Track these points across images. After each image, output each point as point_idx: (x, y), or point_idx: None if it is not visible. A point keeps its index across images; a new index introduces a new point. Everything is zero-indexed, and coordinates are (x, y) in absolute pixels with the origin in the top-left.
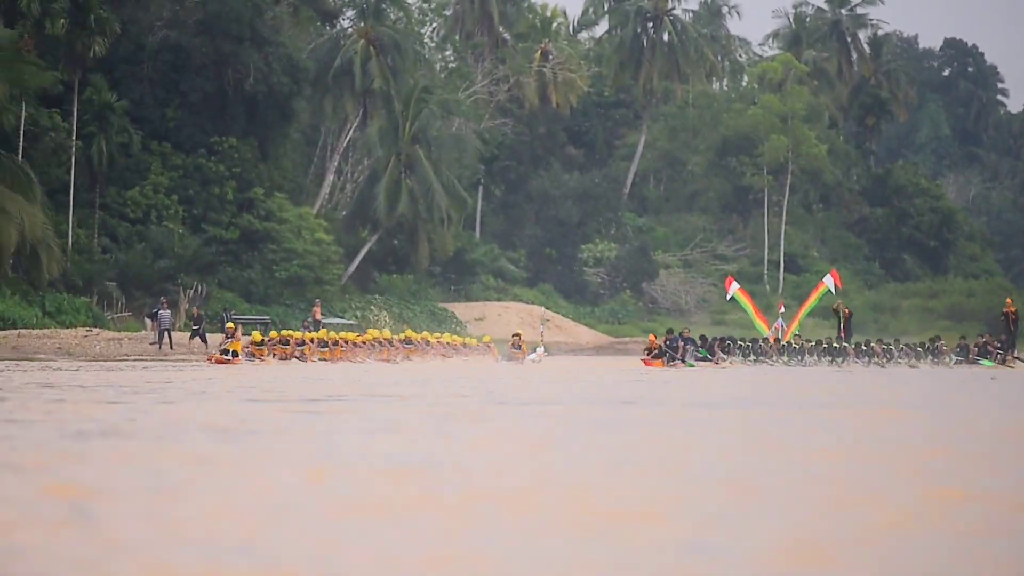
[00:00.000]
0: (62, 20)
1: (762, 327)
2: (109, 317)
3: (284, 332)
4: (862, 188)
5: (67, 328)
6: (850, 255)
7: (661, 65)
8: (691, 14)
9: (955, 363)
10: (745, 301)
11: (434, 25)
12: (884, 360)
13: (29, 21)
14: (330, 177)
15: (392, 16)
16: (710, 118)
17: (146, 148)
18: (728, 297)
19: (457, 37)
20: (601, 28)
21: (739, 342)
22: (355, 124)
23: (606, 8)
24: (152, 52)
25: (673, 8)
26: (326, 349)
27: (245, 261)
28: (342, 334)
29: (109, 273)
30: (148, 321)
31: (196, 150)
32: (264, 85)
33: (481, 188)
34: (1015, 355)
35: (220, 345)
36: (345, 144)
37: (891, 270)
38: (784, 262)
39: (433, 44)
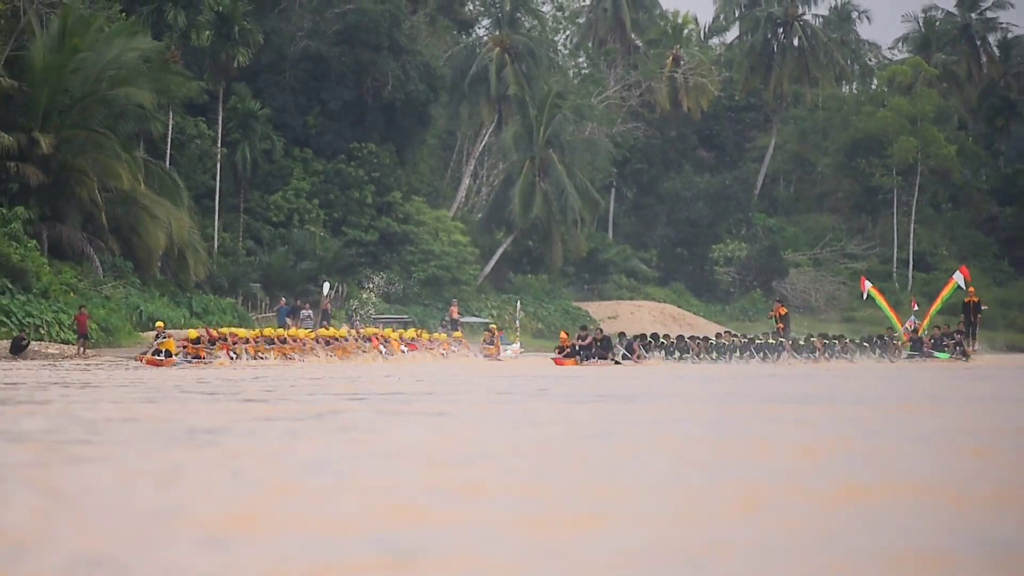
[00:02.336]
0: (207, 32)
1: (897, 324)
2: (254, 317)
3: (224, 329)
4: (991, 188)
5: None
6: (979, 253)
7: (791, 69)
8: (821, 19)
9: (907, 357)
10: (880, 299)
11: (567, 33)
12: (824, 355)
13: (175, 33)
14: (466, 181)
15: (527, 24)
16: (839, 120)
17: (288, 154)
18: (864, 296)
19: (590, 44)
20: (732, 34)
21: (661, 340)
22: (490, 129)
23: (737, 14)
24: (293, 61)
25: (803, 13)
26: (272, 346)
27: (384, 262)
28: (301, 331)
29: (253, 275)
30: (288, 322)
31: (336, 156)
32: (402, 92)
33: (613, 190)
34: (975, 347)
35: (152, 345)
36: (481, 149)
37: (1021, 268)
38: (913, 260)
39: (567, 51)
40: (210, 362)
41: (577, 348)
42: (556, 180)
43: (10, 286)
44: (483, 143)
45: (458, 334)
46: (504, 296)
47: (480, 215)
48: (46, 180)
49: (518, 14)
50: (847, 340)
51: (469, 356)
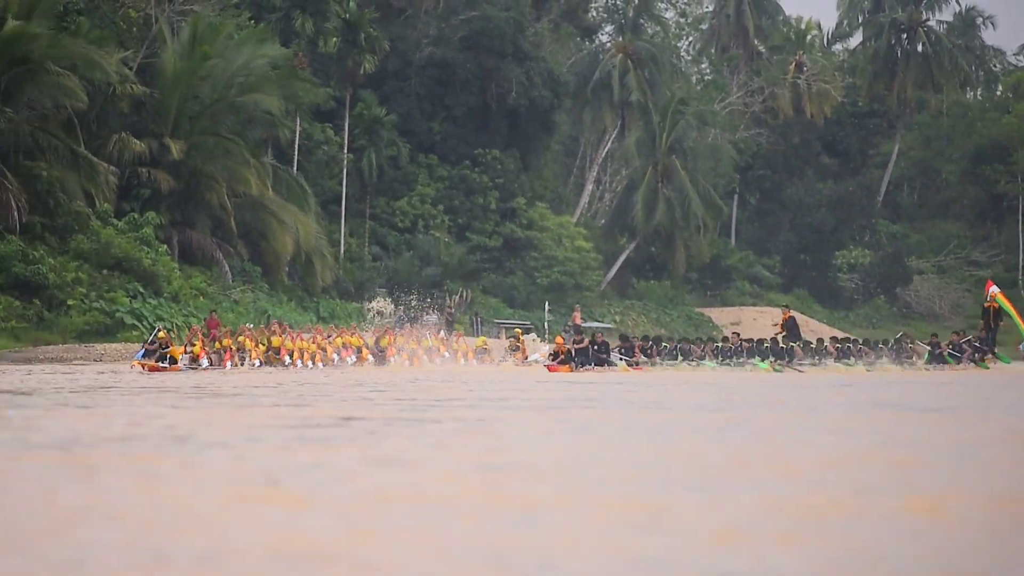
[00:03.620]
0: (334, 39)
1: None
2: (378, 322)
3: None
4: None
5: None
6: None
7: (915, 75)
8: (945, 25)
9: (925, 364)
10: (1007, 305)
11: (690, 39)
12: (836, 360)
13: (303, 40)
14: (589, 187)
15: (650, 31)
16: (964, 127)
17: (413, 160)
18: (986, 299)
19: (713, 50)
20: (855, 40)
21: (664, 344)
22: (613, 135)
23: (860, 20)
24: (419, 68)
25: (927, 19)
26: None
27: (508, 268)
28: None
29: (379, 280)
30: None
31: (461, 162)
32: (526, 98)
33: (736, 196)
34: (995, 353)
35: (153, 350)
36: (604, 155)
37: None
38: None
39: (689, 57)
40: (203, 367)
41: (572, 353)
42: (679, 186)
43: (141, 290)
44: (606, 149)
45: (481, 341)
46: (627, 302)
47: (603, 221)
48: (177, 185)
49: (641, 20)
50: (862, 345)
51: (495, 363)
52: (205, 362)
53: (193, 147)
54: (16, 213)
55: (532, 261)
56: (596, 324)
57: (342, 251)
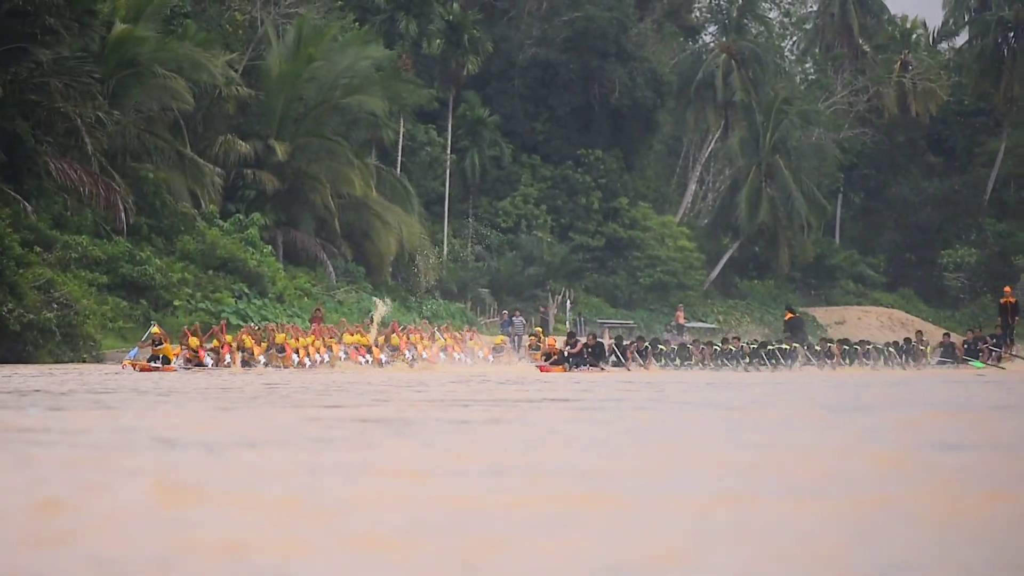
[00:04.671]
0: (438, 40)
1: None
2: (482, 322)
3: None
4: None
5: None
6: None
7: (1022, 73)
8: None
9: (937, 364)
10: None
11: (794, 38)
12: (842, 363)
13: (407, 42)
14: (692, 186)
15: (753, 31)
16: None
17: (516, 160)
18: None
19: (817, 50)
20: (961, 38)
21: (660, 346)
22: (716, 135)
23: (966, 19)
24: (522, 69)
25: None
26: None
27: (610, 267)
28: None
29: (482, 280)
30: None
31: (563, 162)
32: (629, 98)
33: (840, 195)
34: (1013, 352)
35: (143, 349)
36: (707, 154)
37: None
38: None
39: (793, 57)
40: (208, 366)
41: (566, 355)
42: (783, 185)
43: (247, 290)
44: (709, 149)
45: (499, 339)
46: (731, 301)
47: (706, 220)
48: (281, 187)
49: (745, 20)
50: (869, 346)
51: (514, 361)
52: (209, 361)
53: (298, 148)
54: (123, 214)
55: (635, 261)
56: (699, 324)
57: (445, 251)
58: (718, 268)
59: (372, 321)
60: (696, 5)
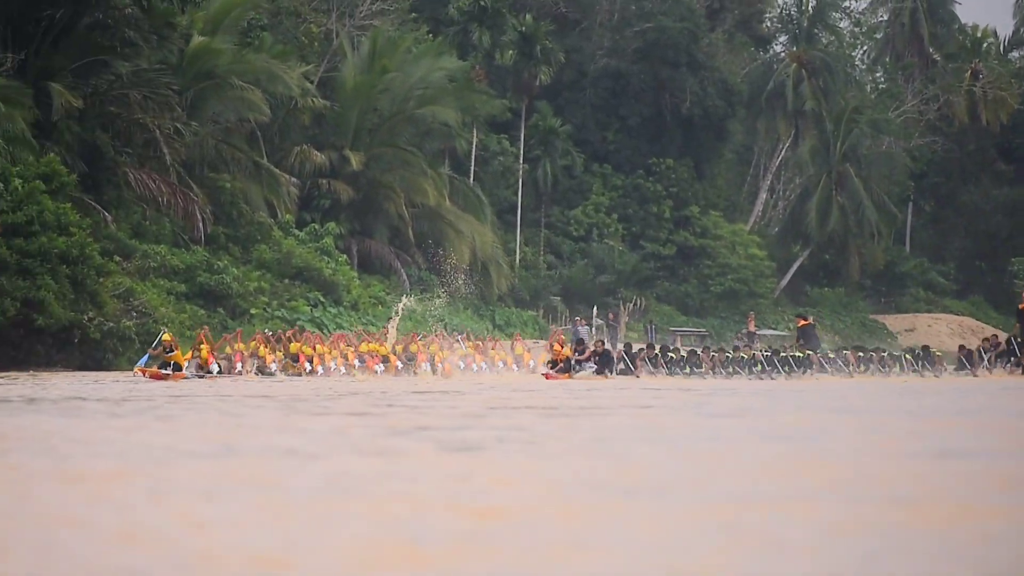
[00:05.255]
0: (511, 51)
1: None
2: (552, 329)
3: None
4: None
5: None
6: None
7: None
8: None
9: (953, 372)
10: None
11: (864, 48)
12: (858, 369)
13: (480, 53)
14: (763, 195)
15: (824, 40)
16: None
17: (588, 170)
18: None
19: (887, 59)
20: None
21: (670, 353)
22: (787, 144)
23: None
24: (594, 79)
25: None
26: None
27: (682, 275)
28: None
29: (553, 288)
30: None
31: (634, 171)
32: (700, 108)
33: (911, 203)
34: None
35: (157, 355)
36: (777, 163)
37: None
38: None
39: (863, 66)
40: (213, 374)
41: (573, 362)
42: (853, 194)
43: (322, 299)
44: (780, 157)
45: (520, 349)
46: (801, 309)
47: (776, 228)
48: (356, 196)
49: (815, 30)
50: (885, 354)
51: (535, 371)
52: (216, 368)
53: (372, 158)
54: (201, 224)
55: (706, 269)
56: (770, 331)
57: (517, 259)
58: (788, 276)
59: (389, 329)
60: (767, 15)
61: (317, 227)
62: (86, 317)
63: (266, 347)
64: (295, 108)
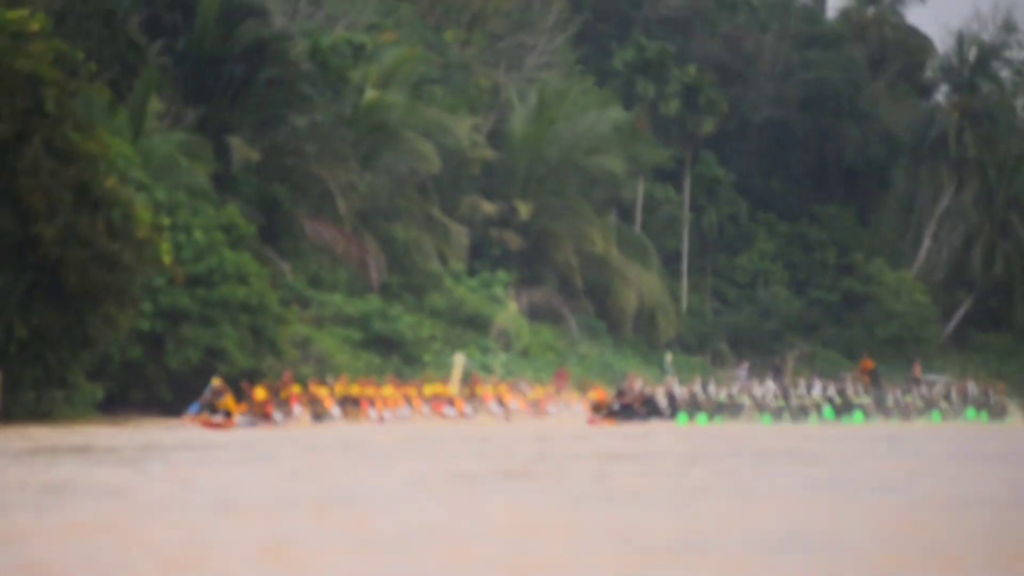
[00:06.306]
0: (675, 101)
1: None
2: (720, 374)
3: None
4: None
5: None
6: None
7: None
8: None
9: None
10: None
11: None
12: (916, 414)
13: (645, 103)
14: (926, 242)
15: (985, 89)
16: None
17: (752, 218)
18: None
19: None
20: None
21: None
22: (950, 192)
23: None
24: (757, 128)
25: None
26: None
27: (847, 322)
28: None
29: (720, 334)
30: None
31: (798, 218)
32: (862, 156)
33: None
34: None
35: (209, 402)
36: (941, 210)
37: None
38: None
39: None
40: (278, 421)
41: (616, 408)
42: (1018, 241)
43: (492, 345)
44: (943, 205)
45: (593, 394)
46: (966, 355)
47: (941, 275)
48: (525, 245)
49: (977, 79)
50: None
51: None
52: (280, 416)
53: (540, 207)
54: (375, 273)
55: (871, 315)
56: (934, 376)
57: (684, 306)
58: (954, 322)
59: (453, 376)
60: (929, 65)
61: (487, 275)
62: (266, 364)
63: (324, 391)
64: (465, 159)
